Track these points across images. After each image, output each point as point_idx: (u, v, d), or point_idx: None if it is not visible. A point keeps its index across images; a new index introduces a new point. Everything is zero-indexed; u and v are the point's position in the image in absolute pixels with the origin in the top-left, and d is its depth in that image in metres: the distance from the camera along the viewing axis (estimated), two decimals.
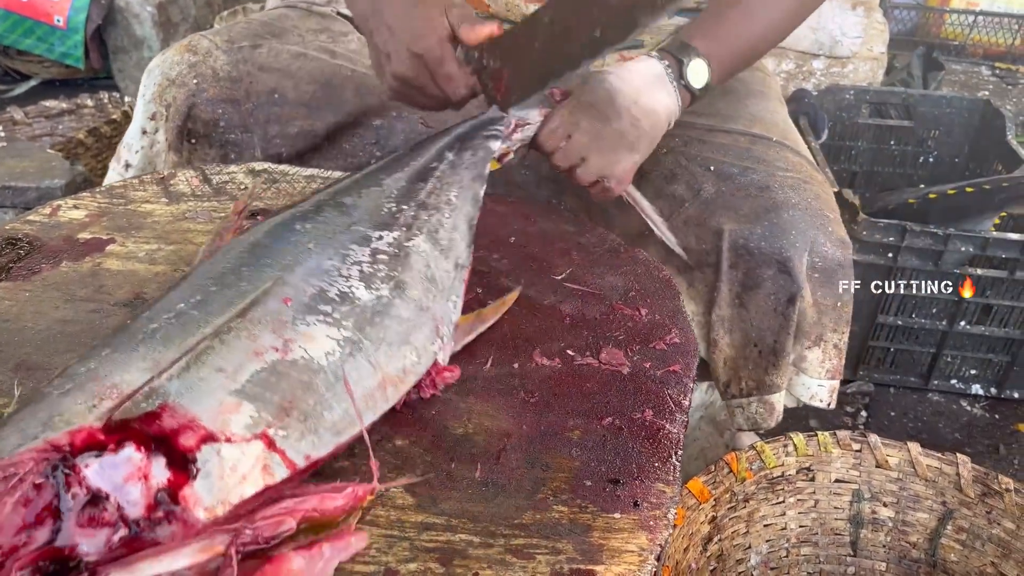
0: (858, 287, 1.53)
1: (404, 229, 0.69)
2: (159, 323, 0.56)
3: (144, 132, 1.09)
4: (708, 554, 1.08)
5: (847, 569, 1.16)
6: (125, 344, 0.54)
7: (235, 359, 0.54)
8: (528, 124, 0.88)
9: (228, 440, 0.49)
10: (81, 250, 0.81)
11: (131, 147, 1.11)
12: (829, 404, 1.05)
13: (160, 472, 0.47)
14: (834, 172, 1.69)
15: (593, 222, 0.92)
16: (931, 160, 2.09)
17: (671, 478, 0.59)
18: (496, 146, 0.84)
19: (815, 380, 1.02)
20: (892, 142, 2.07)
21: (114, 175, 1.15)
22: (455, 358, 0.69)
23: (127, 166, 1.13)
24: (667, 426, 0.63)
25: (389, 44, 0.83)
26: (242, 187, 0.94)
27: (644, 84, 0.86)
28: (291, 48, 1.11)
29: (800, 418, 1.60)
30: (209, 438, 0.49)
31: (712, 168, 1.00)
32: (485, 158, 0.81)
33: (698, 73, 0.87)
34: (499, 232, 0.87)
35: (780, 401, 1.03)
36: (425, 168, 0.77)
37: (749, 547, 1.13)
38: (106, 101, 2.05)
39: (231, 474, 0.49)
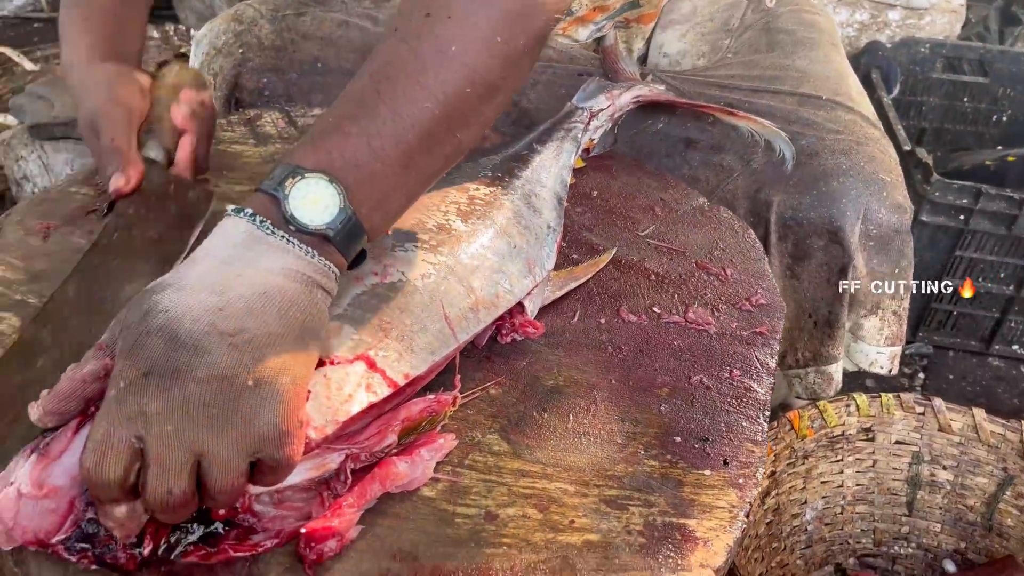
0: (926, 248, 1.51)
1: (500, 188, 0.71)
2: None
3: None
4: (765, 507, 1.10)
5: (901, 528, 1.17)
6: None
7: (339, 286, 0.56)
8: (602, 110, 0.90)
9: (332, 363, 0.53)
10: None
11: None
12: (891, 371, 1.04)
13: None
14: (903, 128, 1.65)
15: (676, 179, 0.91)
16: (1004, 119, 2.03)
17: (759, 438, 0.60)
18: (581, 138, 0.86)
19: (874, 347, 1.02)
20: (965, 99, 2.01)
21: None
22: (541, 313, 0.70)
23: None
24: (754, 387, 0.65)
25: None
26: None
27: (226, 268, 0.49)
28: (334, 16, 1.11)
29: (856, 376, 1.60)
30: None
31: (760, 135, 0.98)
32: (571, 149, 0.83)
33: (314, 200, 0.51)
34: (580, 186, 0.87)
35: (838, 371, 1.03)
36: (516, 155, 0.79)
37: (805, 502, 1.15)
38: (171, 33, 2.06)
39: (337, 394, 0.52)
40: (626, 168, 0.91)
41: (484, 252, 0.65)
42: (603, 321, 0.70)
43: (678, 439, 0.60)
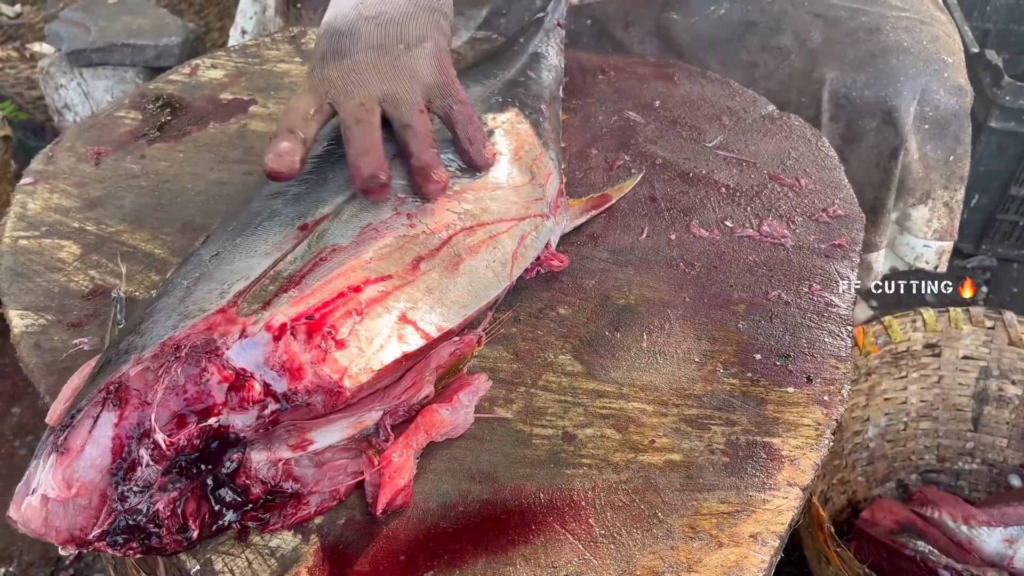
0: (993, 156, 1.45)
1: (514, 113, 0.69)
2: (277, 206, 0.55)
3: None
4: None
5: (966, 444, 1.15)
6: (246, 228, 0.54)
7: (357, 236, 0.53)
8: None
9: (360, 314, 0.50)
10: (226, 111, 0.81)
11: (245, 13, 1.12)
12: (937, 267, 0.99)
13: (299, 348, 0.46)
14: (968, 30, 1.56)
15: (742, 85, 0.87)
16: None
17: (843, 354, 0.58)
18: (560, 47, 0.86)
19: (920, 240, 0.97)
20: None
21: (233, 41, 1.15)
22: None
23: (243, 32, 1.13)
24: (835, 301, 0.62)
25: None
26: None
27: None
28: None
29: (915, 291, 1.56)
30: (342, 314, 0.49)
31: (820, 14, 0.93)
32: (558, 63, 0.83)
33: None
34: (641, 95, 0.84)
35: (879, 261, 0.99)
36: (515, 80, 0.75)
37: (868, 419, 1.13)
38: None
39: (368, 345, 0.49)
40: (688, 76, 0.86)
41: (509, 196, 0.61)
42: (673, 237, 0.68)
43: (758, 356, 0.58)
